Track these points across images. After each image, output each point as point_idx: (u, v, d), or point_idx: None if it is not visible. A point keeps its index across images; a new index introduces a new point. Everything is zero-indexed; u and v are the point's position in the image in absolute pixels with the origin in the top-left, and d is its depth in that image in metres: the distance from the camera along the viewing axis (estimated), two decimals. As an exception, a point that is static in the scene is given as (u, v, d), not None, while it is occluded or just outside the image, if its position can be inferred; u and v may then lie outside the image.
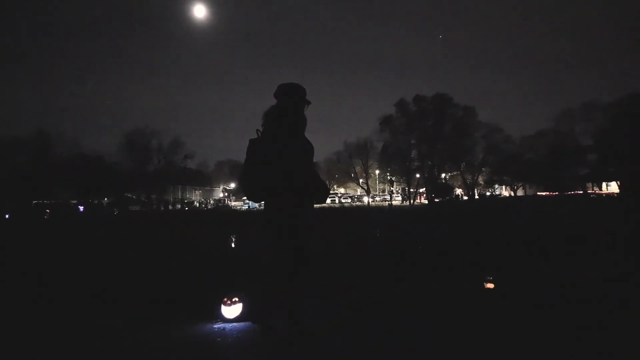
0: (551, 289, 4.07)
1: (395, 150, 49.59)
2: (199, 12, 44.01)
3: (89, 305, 3.95)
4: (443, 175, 51.76)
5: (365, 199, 54.55)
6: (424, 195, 53.24)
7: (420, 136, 49.03)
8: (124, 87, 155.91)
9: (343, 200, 52.17)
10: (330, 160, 57.61)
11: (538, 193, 46.23)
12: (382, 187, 70.19)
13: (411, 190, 50.88)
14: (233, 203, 64.81)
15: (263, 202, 2.80)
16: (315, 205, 2.95)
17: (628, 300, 3.54)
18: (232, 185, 74.49)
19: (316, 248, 2.93)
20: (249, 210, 37.87)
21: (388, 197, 55.78)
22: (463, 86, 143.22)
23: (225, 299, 3.31)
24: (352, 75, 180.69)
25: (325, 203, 3.10)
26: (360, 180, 56.87)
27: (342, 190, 70.50)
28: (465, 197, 50.34)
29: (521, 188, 52.76)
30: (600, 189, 48.07)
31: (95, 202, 47.77)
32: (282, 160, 2.66)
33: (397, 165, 50.68)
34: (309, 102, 2.88)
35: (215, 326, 3.18)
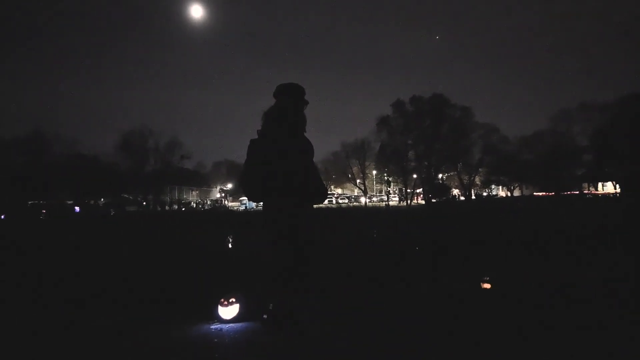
0: (550, 289, 4.06)
1: (392, 151, 49.66)
2: (196, 12, 43.89)
3: (87, 306, 3.92)
4: (440, 175, 51.88)
5: (363, 200, 54.62)
6: (421, 195, 53.33)
7: (417, 137, 49.13)
8: (120, 87, 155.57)
9: (340, 201, 52.23)
10: (327, 160, 57.69)
11: (535, 193, 46.43)
12: (379, 187, 70.29)
13: (408, 190, 50.96)
14: (230, 203, 64.74)
15: (262, 203, 2.78)
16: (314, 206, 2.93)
17: (628, 300, 3.53)
18: (229, 186, 74.45)
19: (316, 248, 2.91)
20: (246, 210, 37.88)
21: (385, 198, 55.87)
22: (460, 87, 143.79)
23: (222, 300, 3.28)
24: (349, 75, 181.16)
25: (323, 204, 3.09)
26: (358, 181, 56.92)
27: (339, 190, 70.56)
28: (462, 198, 50.47)
29: (518, 188, 52.94)
30: (597, 190, 48.32)
31: (92, 202, 47.58)
32: (282, 161, 2.65)
33: (394, 165, 50.73)
34: (306, 102, 2.87)
35: (212, 327, 3.16)
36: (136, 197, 51.33)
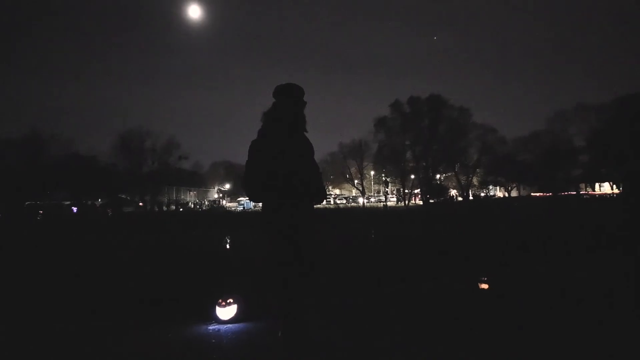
0: (549, 289, 4.08)
1: (390, 151, 49.62)
2: (194, 12, 43.62)
3: (84, 307, 3.92)
4: (438, 176, 51.89)
5: (360, 200, 54.59)
6: (419, 196, 53.35)
7: (415, 137, 49.13)
8: (118, 88, 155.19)
9: (338, 201, 52.16)
10: (324, 161, 57.61)
11: (532, 194, 46.51)
12: (377, 188, 70.29)
13: (406, 191, 50.98)
14: (228, 204, 64.59)
15: (262, 203, 2.78)
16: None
17: (627, 300, 3.54)
18: (227, 186, 74.30)
19: (316, 248, 2.91)
20: (243, 211, 37.81)
21: (383, 198, 55.84)
22: (458, 87, 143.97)
23: (220, 301, 3.28)
24: (347, 76, 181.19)
25: (321, 204, 3.09)
26: (355, 181, 56.89)
27: (337, 191, 70.51)
28: (460, 198, 50.51)
29: (515, 189, 53.02)
30: (593, 190, 48.46)
31: (89, 203, 47.39)
32: (282, 161, 2.65)
33: (392, 166, 50.72)
34: (304, 103, 2.88)
35: (210, 327, 3.16)
36: (133, 197, 51.14)
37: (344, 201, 53.97)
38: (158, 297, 4.08)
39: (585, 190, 47.56)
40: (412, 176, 50.85)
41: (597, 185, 49.50)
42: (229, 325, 3.20)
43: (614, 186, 41.50)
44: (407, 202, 49.40)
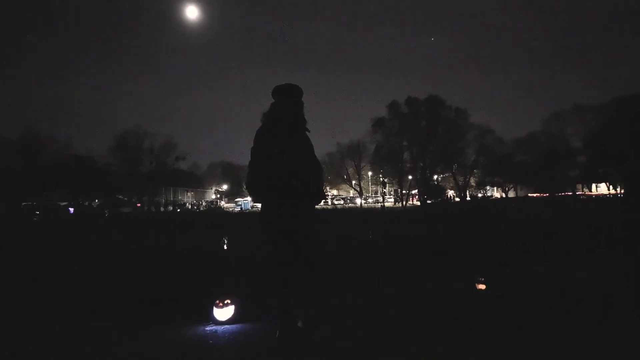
0: (548, 289, 4.07)
1: (387, 152, 49.71)
2: (191, 13, 43.56)
3: (81, 308, 3.88)
4: (435, 176, 52.00)
5: (358, 201, 54.63)
6: (416, 197, 53.44)
7: (412, 138, 49.21)
8: (116, 88, 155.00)
9: (335, 202, 52.18)
10: (322, 161, 57.32)
11: (529, 194, 46.65)
12: (374, 188, 70.39)
13: (403, 192, 51.05)
14: (225, 205, 64.55)
15: (261, 203, 2.77)
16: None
17: (627, 300, 3.54)
18: (225, 187, 74.28)
19: (316, 248, 2.90)
20: (241, 211, 37.76)
21: (380, 199, 55.91)
22: (455, 88, 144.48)
23: (217, 301, 3.26)
24: (345, 76, 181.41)
25: (319, 204, 3.08)
26: (353, 182, 56.93)
27: (334, 191, 70.58)
28: (457, 199, 50.61)
29: (512, 189, 53.19)
30: (590, 190, 48.65)
31: (86, 203, 47.25)
32: (282, 161, 2.64)
33: (390, 166, 50.83)
34: (303, 103, 2.87)
35: (207, 328, 3.15)
36: (131, 198, 51.04)
37: (342, 202, 53.99)
38: (155, 297, 4.05)
39: (582, 191, 47.74)
40: (410, 177, 50.92)
41: (593, 185, 49.68)
42: (226, 326, 3.18)
43: (611, 187, 41.68)
44: (404, 202, 49.46)
